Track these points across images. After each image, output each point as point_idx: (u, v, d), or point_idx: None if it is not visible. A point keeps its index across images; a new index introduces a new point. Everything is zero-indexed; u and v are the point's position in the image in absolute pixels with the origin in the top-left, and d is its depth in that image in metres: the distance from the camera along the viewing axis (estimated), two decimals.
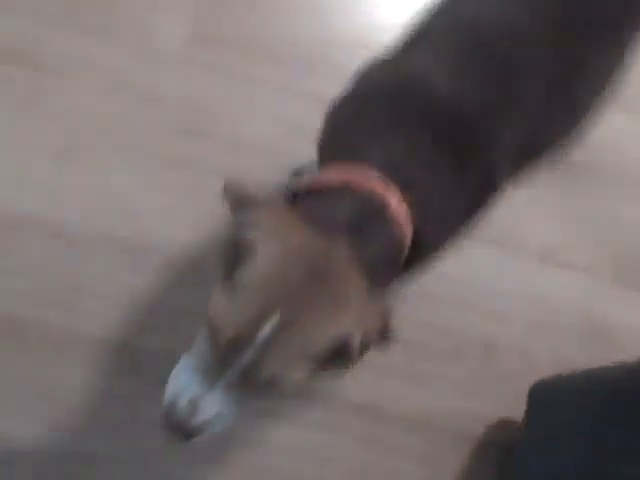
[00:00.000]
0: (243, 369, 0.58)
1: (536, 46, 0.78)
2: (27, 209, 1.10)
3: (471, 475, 1.10)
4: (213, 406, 0.61)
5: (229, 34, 1.21)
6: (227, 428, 0.97)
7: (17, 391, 1.03)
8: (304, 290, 0.59)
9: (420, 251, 0.74)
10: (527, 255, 1.21)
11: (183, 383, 0.62)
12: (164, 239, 1.11)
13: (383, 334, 0.64)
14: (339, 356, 0.61)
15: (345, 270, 0.62)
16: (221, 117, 1.18)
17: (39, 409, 1.03)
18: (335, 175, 0.70)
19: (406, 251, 0.71)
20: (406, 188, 0.70)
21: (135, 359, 1.05)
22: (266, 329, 0.57)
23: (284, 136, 1.18)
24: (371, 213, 0.67)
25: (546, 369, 1.16)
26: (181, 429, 0.61)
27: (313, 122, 1.19)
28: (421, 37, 0.84)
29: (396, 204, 0.68)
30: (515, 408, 1.12)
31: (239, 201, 0.66)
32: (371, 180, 0.68)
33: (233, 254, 0.62)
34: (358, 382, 1.10)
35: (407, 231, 0.69)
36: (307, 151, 1.17)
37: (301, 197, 0.71)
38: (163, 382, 1.02)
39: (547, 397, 1.06)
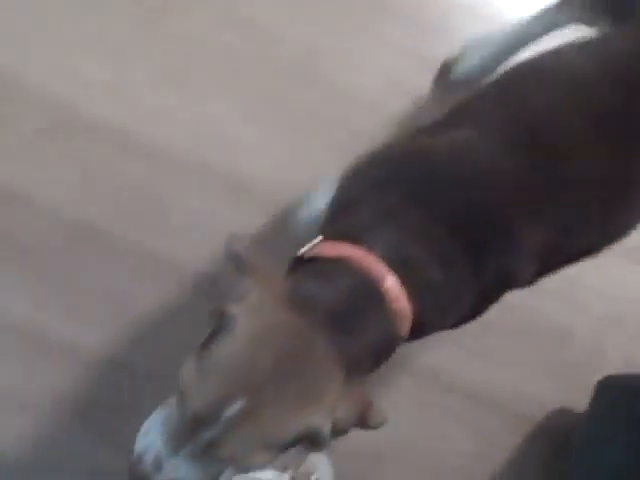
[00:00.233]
0: (205, 444, 0.57)
1: (588, 149, 0.72)
2: (127, 125, 1.12)
3: (523, 456, 1.10)
4: (176, 470, 0.60)
5: None
6: None
7: (85, 296, 1.07)
8: (273, 379, 0.57)
9: (418, 334, 0.69)
10: (614, 251, 1.19)
11: (151, 439, 0.61)
12: (257, 174, 1.13)
13: (363, 422, 0.61)
14: (308, 442, 0.59)
15: (321, 361, 0.59)
16: (333, 65, 1.17)
17: (105, 318, 1.07)
18: (331, 250, 0.65)
19: (400, 342, 0.66)
20: (409, 277, 0.64)
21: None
22: (229, 413, 0.56)
23: (392, 94, 1.16)
24: (365, 297, 0.63)
25: (616, 366, 1.13)
26: None
27: (422, 85, 1.17)
28: (453, 118, 0.79)
29: (395, 292, 0.63)
30: (578, 398, 1.11)
31: (237, 263, 0.63)
32: (370, 261, 0.64)
33: (216, 322, 0.60)
34: (424, 346, 1.10)
35: (404, 323, 0.64)
36: (409, 110, 1.16)
37: (299, 265, 0.67)
38: None
39: (613, 393, 1.04)
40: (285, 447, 0.59)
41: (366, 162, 0.76)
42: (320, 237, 0.69)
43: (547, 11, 1.02)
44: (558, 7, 1.01)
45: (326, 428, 0.58)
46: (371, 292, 0.63)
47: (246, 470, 0.64)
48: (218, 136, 1.13)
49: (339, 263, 0.64)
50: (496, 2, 1.21)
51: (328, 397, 0.58)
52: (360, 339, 0.62)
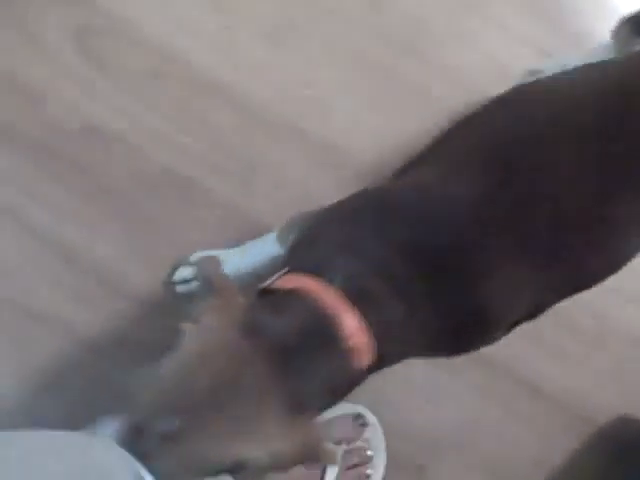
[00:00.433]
0: (140, 456, 0.55)
1: (564, 185, 0.68)
2: (226, 79, 1.12)
3: (581, 459, 1.08)
4: None
5: None
6: None
7: (163, 244, 1.09)
8: (208, 402, 0.55)
9: (379, 366, 0.66)
10: None
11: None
12: (347, 142, 1.12)
13: (309, 459, 0.59)
14: (239, 471, 0.57)
15: (262, 392, 0.57)
16: (439, 41, 1.14)
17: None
18: (289, 282, 0.63)
19: (361, 377, 0.64)
20: (369, 311, 0.62)
21: None
22: (160, 430, 0.55)
23: (494, 77, 1.12)
24: (318, 332, 0.60)
25: None
26: None
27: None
28: (430, 154, 0.76)
29: (353, 327, 0.61)
30: None
31: (208, 280, 0.62)
32: (327, 294, 0.61)
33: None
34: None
35: (363, 358, 0.62)
36: None
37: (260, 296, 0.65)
38: None
39: None
40: (214, 472, 0.58)
41: (333, 204, 0.74)
42: (286, 269, 0.68)
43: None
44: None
45: (259, 461, 0.57)
46: (325, 327, 0.60)
47: None
48: (315, 101, 1.12)
49: (294, 295, 0.62)
50: None
51: (264, 430, 0.57)
52: (309, 374, 0.59)
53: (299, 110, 1.12)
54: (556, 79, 0.80)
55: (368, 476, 1.03)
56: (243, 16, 1.14)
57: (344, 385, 0.63)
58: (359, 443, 1.02)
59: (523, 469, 1.08)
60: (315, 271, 0.64)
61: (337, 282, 0.62)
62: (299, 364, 0.59)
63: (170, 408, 0.56)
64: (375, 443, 1.04)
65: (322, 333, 0.60)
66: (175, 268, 1.06)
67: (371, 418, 1.04)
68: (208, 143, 1.11)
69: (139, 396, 0.58)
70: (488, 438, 1.09)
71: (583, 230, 0.70)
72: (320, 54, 1.14)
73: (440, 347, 0.72)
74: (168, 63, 1.12)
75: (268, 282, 0.66)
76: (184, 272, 1.04)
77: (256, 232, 1.05)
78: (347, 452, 1.01)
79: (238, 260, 1.00)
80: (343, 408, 1.04)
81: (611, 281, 1.06)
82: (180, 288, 1.04)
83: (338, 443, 1.01)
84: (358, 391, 1.04)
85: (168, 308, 1.05)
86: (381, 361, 0.64)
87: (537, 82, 0.81)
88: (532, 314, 0.75)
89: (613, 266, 0.75)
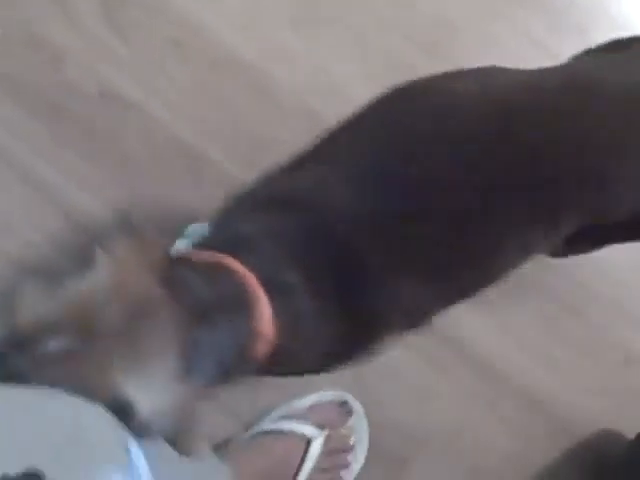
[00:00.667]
0: (10, 369, 0.52)
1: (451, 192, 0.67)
2: (247, 58, 1.13)
3: (560, 468, 1.09)
4: None
5: None
6: None
7: (155, 208, 1.07)
8: (106, 332, 0.52)
9: (269, 367, 0.64)
10: None
11: None
12: None
13: (178, 434, 0.56)
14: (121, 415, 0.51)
15: (164, 339, 0.54)
16: (463, 43, 1.15)
17: None
18: (210, 257, 0.62)
19: (250, 366, 0.62)
20: (278, 302, 0.61)
21: None
22: (48, 347, 0.51)
23: None
24: (233, 305, 0.59)
25: None
26: None
27: None
28: (326, 149, 0.76)
29: (263, 312, 0.60)
30: (632, 425, 1.08)
31: (125, 223, 0.62)
32: (247, 274, 0.60)
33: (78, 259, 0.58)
34: (485, 333, 1.09)
35: (261, 346, 0.60)
36: None
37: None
38: None
39: None
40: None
41: (242, 196, 0.75)
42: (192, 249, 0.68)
43: None
44: None
45: (142, 410, 0.52)
46: (243, 305, 0.59)
47: None
48: (335, 90, 1.13)
49: (222, 268, 0.61)
50: None
51: (152, 375, 0.54)
52: (212, 343, 0.57)
53: (317, 96, 1.13)
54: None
55: (348, 464, 1.04)
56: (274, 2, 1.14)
57: (237, 367, 0.61)
58: (342, 430, 1.03)
59: (502, 469, 1.09)
60: (235, 252, 0.63)
61: (256, 267, 0.62)
62: (208, 330, 0.57)
63: (66, 327, 0.52)
64: (359, 432, 1.04)
65: (239, 309, 0.59)
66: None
67: (357, 406, 1.05)
68: (222, 119, 1.12)
69: (30, 307, 0.53)
70: (472, 438, 1.09)
71: (462, 243, 0.70)
72: (345, 44, 1.14)
73: (331, 357, 0.70)
74: (191, 36, 1.12)
75: (185, 252, 0.66)
76: (179, 245, 1.05)
77: None
78: (329, 437, 1.02)
79: None
80: (330, 394, 1.05)
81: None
82: None
83: (322, 427, 1.02)
84: (346, 379, 1.06)
85: None
86: (273, 360, 0.63)
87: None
88: (414, 325, 0.75)
89: (489, 279, 0.74)
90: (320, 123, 1.11)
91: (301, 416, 1.03)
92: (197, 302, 0.57)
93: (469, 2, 1.17)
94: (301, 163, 0.78)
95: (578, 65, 0.83)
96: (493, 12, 1.16)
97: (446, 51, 1.14)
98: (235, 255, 0.62)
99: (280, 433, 1.02)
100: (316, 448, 1.00)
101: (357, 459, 1.05)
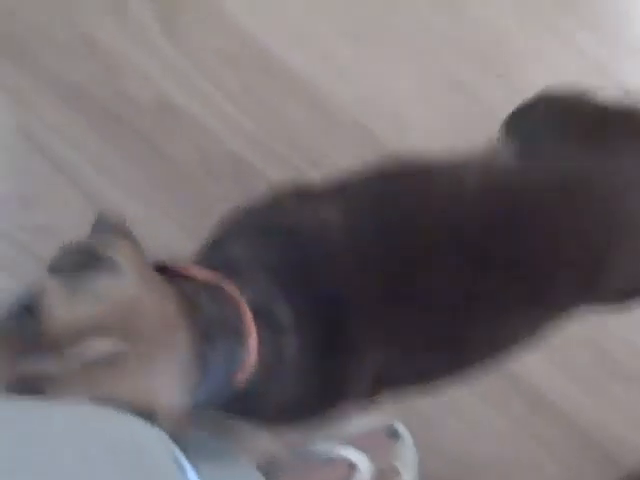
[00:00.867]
0: (35, 374, 0.49)
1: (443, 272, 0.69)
2: (296, 64, 1.11)
3: None
4: None
5: None
6: None
7: (198, 213, 1.08)
8: (151, 335, 0.51)
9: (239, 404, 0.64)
10: None
11: None
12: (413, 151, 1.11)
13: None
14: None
15: (177, 349, 0.53)
16: (518, 61, 1.12)
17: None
18: (205, 275, 0.61)
19: (227, 393, 0.61)
20: (264, 335, 0.61)
21: None
22: (92, 347, 0.48)
23: None
24: (232, 332, 0.59)
25: None
26: None
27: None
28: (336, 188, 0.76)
29: (252, 343, 0.59)
30: None
31: (114, 226, 0.59)
32: (242, 301, 0.60)
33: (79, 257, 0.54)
34: (534, 362, 1.08)
35: (243, 376, 0.60)
36: None
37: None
38: None
39: None
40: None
41: (250, 209, 0.75)
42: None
43: None
44: None
45: (160, 417, 0.51)
46: (238, 331, 0.59)
47: None
48: (388, 106, 1.11)
49: (218, 289, 0.60)
50: None
51: (172, 386, 0.53)
52: (212, 359, 0.57)
53: (369, 111, 1.11)
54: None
55: None
56: (325, 8, 1.11)
57: (221, 390, 0.61)
58: (390, 458, 1.02)
59: None
60: (231, 276, 0.63)
61: (250, 297, 0.61)
62: (210, 350, 0.56)
63: (111, 329, 0.50)
64: (406, 459, 1.03)
65: (236, 336, 0.59)
66: None
67: (406, 434, 1.04)
68: (274, 132, 1.10)
69: (59, 297, 0.51)
70: (523, 471, 1.08)
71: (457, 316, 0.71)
72: (400, 63, 1.12)
73: (287, 408, 0.69)
74: (248, 50, 1.10)
75: (170, 262, 0.63)
76: None
77: None
78: (376, 464, 1.01)
79: None
80: (378, 419, 1.04)
81: None
82: None
83: (368, 454, 1.01)
84: (395, 405, 1.05)
85: None
86: (244, 397, 0.62)
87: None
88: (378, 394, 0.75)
89: (494, 352, 0.76)
90: (374, 139, 1.11)
91: (348, 441, 1.02)
92: (206, 321, 0.57)
93: (518, 18, 1.13)
94: (312, 196, 0.77)
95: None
96: (544, 25, 1.13)
97: (500, 65, 1.11)
98: (230, 279, 0.62)
99: (326, 457, 1.01)
100: (363, 475, 0.99)
101: None
